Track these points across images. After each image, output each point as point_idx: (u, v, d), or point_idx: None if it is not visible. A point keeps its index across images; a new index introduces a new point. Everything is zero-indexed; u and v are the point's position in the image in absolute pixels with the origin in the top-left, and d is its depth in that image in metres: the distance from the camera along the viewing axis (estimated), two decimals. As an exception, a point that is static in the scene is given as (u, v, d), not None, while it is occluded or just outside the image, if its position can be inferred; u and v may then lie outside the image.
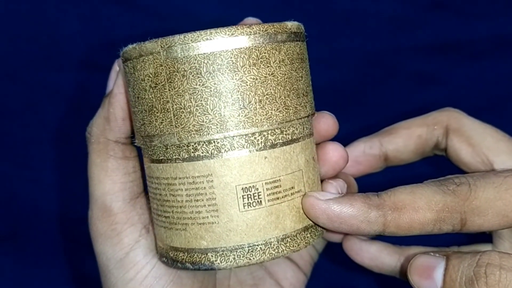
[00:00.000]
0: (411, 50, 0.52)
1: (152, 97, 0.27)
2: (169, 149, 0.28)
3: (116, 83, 0.32)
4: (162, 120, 0.27)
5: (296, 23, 0.29)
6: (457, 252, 0.28)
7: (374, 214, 0.27)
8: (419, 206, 0.27)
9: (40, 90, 0.51)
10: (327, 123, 0.32)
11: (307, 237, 0.29)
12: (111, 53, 0.47)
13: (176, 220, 0.28)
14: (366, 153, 0.36)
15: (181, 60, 0.26)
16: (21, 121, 0.52)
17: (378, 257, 0.35)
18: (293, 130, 0.28)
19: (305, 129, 0.29)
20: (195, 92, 0.27)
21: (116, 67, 0.32)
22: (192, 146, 0.27)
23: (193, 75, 0.26)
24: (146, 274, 0.31)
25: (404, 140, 0.36)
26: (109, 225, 0.31)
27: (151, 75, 0.27)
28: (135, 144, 0.31)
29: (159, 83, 0.27)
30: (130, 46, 0.28)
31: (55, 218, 0.53)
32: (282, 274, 0.37)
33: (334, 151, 0.32)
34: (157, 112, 0.27)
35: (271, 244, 0.28)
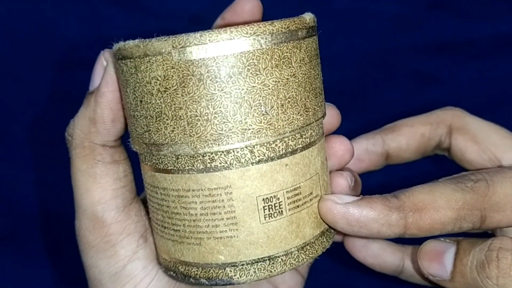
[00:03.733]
0: (411, 50, 0.52)
1: (160, 102, 0.25)
2: (180, 159, 0.25)
3: (104, 80, 0.28)
4: (174, 128, 0.25)
5: (312, 15, 0.27)
6: (467, 238, 0.28)
7: (395, 216, 0.26)
8: (440, 206, 0.27)
9: (40, 90, 0.51)
10: (330, 114, 0.31)
11: (324, 241, 0.28)
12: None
13: (189, 234, 0.26)
14: (369, 150, 0.35)
15: (196, 63, 0.24)
16: (21, 121, 0.52)
17: (381, 256, 0.34)
18: (311, 133, 0.27)
19: (320, 129, 0.28)
20: (213, 98, 0.24)
21: (103, 61, 0.28)
22: (209, 156, 0.25)
23: (211, 79, 0.24)
24: (144, 287, 0.29)
25: (407, 138, 0.35)
26: (102, 237, 0.29)
27: (159, 78, 0.24)
28: (133, 149, 0.28)
29: (169, 87, 0.24)
30: (131, 43, 0.25)
31: (55, 218, 0.53)
32: (280, 278, 0.36)
33: (340, 144, 0.31)
34: (167, 119, 0.25)
35: (291, 254, 0.26)
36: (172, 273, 0.27)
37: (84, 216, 0.29)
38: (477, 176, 0.28)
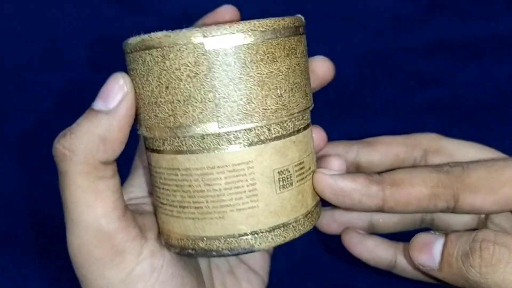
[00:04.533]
0: (411, 50, 0.52)
1: (189, 87, 0.27)
2: (206, 139, 0.28)
3: (124, 105, 0.28)
4: (202, 110, 0.27)
5: (302, 17, 0.30)
6: (455, 231, 0.30)
7: (375, 188, 0.30)
8: (416, 182, 0.30)
9: (40, 90, 0.51)
10: (324, 65, 0.33)
11: (318, 211, 0.31)
12: (111, 52, 0.47)
13: (212, 209, 0.28)
14: (341, 156, 0.37)
15: (226, 51, 0.27)
16: (21, 121, 0.52)
17: (375, 251, 0.36)
18: (308, 116, 0.30)
19: (310, 113, 0.31)
20: (240, 82, 0.27)
21: (124, 85, 0.29)
22: (233, 134, 0.27)
23: (237, 66, 0.27)
24: (153, 282, 0.30)
25: (380, 155, 0.37)
26: (109, 249, 0.29)
27: (189, 65, 0.27)
28: (146, 136, 0.29)
29: (200, 73, 0.27)
30: (159, 34, 0.27)
31: (55, 218, 0.53)
32: (252, 259, 0.38)
33: (316, 133, 0.33)
34: (195, 102, 0.27)
35: (299, 221, 0.30)
36: (190, 250, 0.29)
37: (87, 232, 0.29)
38: (454, 163, 0.31)
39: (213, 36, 0.26)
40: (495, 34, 0.52)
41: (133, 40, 0.28)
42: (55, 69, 0.51)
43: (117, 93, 0.29)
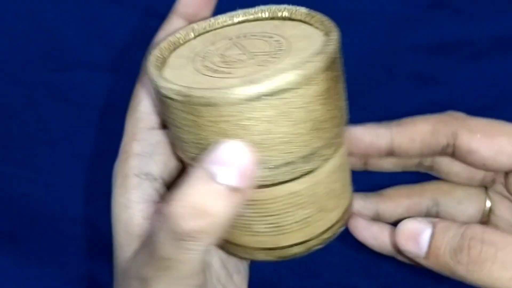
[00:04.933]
0: (411, 50, 0.52)
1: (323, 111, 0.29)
2: (297, 169, 0.29)
3: (253, 178, 0.26)
4: (312, 138, 0.28)
5: None
6: (443, 220, 0.31)
7: (383, 129, 0.34)
8: (419, 122, 0.34)
9: (40, 90, 0.51)
10: None
11: None
12: (111, 52, 0.47)
13: (295, 223, 0.31)
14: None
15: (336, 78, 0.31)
16: (21, 121, 0.52)
17: (380, 237, 0.37)
18: None
19: None
20: (336, 107, 0.29)
21: (251, 156, 0.26)
22: (320, 158, 0.29)
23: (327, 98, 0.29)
24: None
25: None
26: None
27: (321, 95, 0.28)
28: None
29: (312, 110, 0.28)
30: (295, 74, 0.26)
31: (55, 218, 0.53)
32: None
33: None
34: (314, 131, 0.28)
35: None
36: (283, 257, 0.32)
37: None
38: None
39: (332, 71, 0.29)
40: (495, 34, 0.52)
41: (256, 90, 0.25)
42: (55, 69, 0.51)
43: (251, 170, 0.26)
